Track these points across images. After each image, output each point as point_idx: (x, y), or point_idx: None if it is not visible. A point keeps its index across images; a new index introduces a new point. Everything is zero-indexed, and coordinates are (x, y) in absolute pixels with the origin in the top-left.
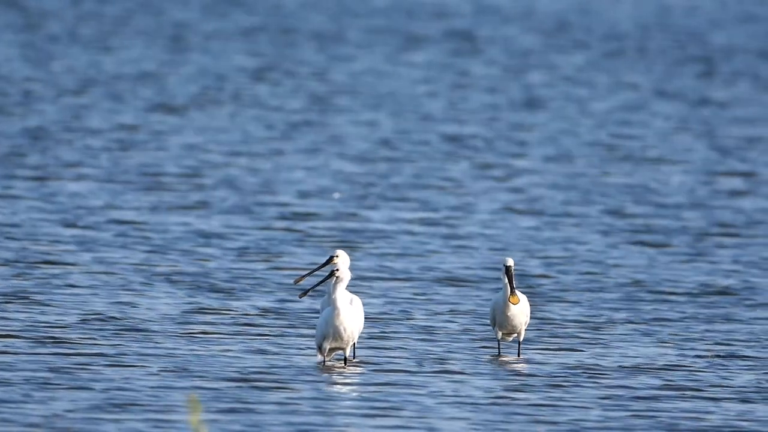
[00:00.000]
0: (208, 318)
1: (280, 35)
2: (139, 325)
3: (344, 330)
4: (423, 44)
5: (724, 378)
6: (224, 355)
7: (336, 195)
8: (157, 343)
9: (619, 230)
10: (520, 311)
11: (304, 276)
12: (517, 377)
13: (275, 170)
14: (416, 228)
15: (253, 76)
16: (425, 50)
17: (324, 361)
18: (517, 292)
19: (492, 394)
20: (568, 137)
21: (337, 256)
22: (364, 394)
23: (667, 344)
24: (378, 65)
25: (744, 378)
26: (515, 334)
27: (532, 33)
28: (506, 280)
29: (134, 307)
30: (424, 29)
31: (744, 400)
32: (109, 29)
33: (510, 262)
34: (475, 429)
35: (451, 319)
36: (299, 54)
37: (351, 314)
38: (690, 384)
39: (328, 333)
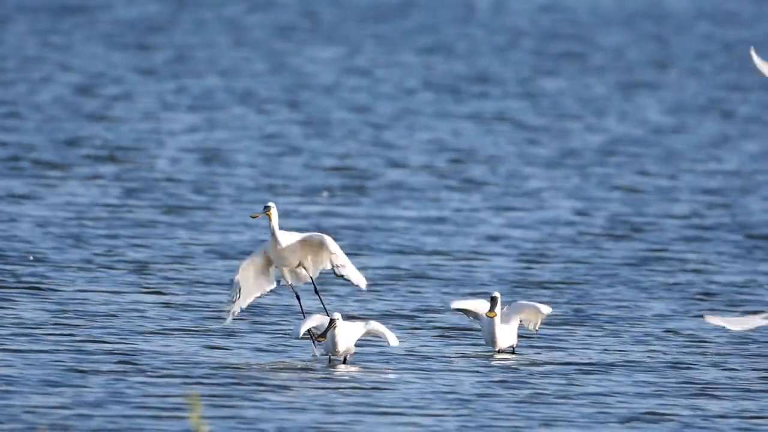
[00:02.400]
0: (185, 315)
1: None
2: (117, 322)
3: (338, 344)
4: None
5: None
6: (205, 353)
7: (324, 194)
8: (135, 341)
9: (594, 226)
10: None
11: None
12: (503, 373)
13: (253, 169)
14: (397, 224)
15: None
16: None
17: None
18: (500, 312)
19: (477, 391)
20: (540, 135)
21: (336, 318)
22: (346, 392)
23: (647, 341)
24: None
25: (711, 374)
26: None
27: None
28: (490, 304)
29: (110, 303)
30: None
31: (710, 396)
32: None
33: (496, 294)
34: (459, 426)
35: (431, 315)
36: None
37: (347, 330)
38: (669, 381)
39: (325, 345)
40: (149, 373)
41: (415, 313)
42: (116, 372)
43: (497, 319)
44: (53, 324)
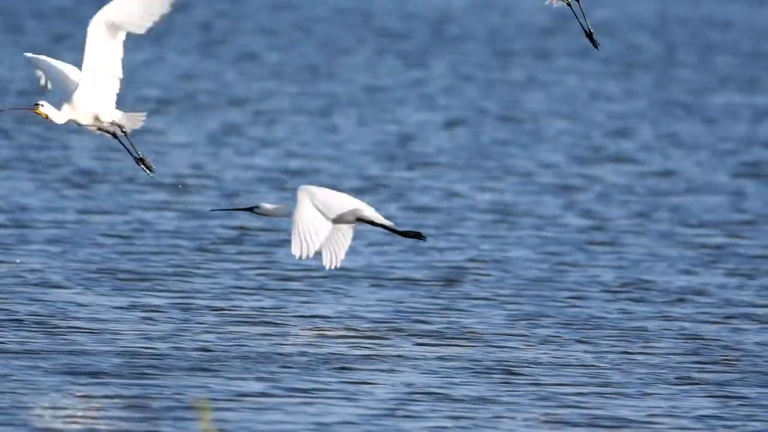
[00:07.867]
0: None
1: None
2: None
3: None
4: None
5: (630, 374)
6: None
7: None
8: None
9: (527, 227)
10: None
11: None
12: (436, 374)
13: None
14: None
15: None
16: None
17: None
18: None
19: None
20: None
21: None
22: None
23: (581, 342)
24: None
25: (655, 376)
26: None
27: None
28: None
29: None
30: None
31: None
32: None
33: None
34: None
35: (353, 314)
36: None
37: None
38: (602, 381)
39: None
40: (151, 375)
41: (331, 310)
42: (122, 374)
43: None
44: (43, 324)
